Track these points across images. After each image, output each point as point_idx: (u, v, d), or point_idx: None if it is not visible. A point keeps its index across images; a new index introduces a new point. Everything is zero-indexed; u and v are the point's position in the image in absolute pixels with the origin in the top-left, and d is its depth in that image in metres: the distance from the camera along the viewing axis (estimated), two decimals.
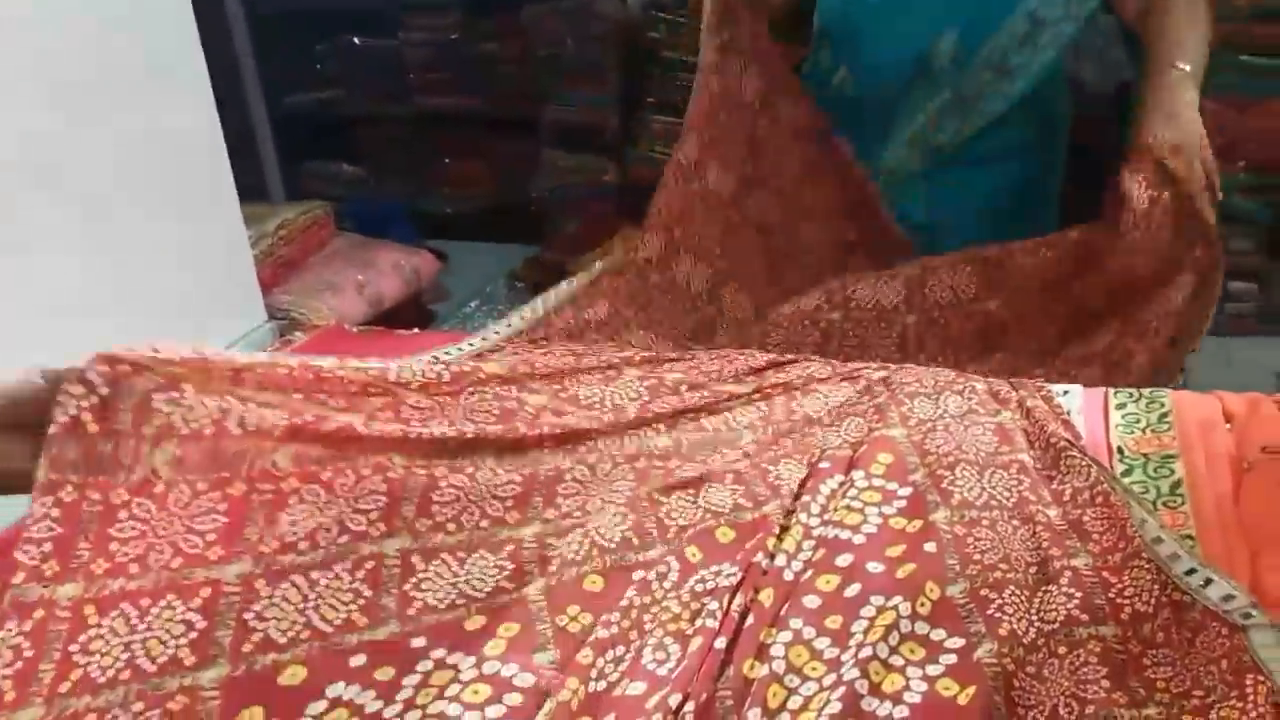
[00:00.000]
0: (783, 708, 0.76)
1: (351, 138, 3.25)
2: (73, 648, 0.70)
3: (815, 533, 0.92)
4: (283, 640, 0.76)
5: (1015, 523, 0.92)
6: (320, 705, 0.74)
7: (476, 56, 2.97)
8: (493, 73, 2.97)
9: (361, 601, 0.80)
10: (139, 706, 0.70)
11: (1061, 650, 0.80)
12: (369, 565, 0.82)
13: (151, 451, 0.77)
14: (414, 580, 0.83)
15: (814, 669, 0.79)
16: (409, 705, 0.75)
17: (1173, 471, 1.00)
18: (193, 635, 0.73)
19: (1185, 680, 0.77)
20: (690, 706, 0.76)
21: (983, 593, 0.84)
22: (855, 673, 0.77)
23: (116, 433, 0.75)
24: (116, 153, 1.41)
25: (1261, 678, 0.74)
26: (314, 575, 0.79)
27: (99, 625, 0.71)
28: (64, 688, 0.69)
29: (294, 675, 0.75)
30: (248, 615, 0.76)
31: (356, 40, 3.10)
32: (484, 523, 0.89)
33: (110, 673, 0.71)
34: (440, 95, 3.05)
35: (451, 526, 0.87)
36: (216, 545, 0.77)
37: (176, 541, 0.76)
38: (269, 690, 0.74)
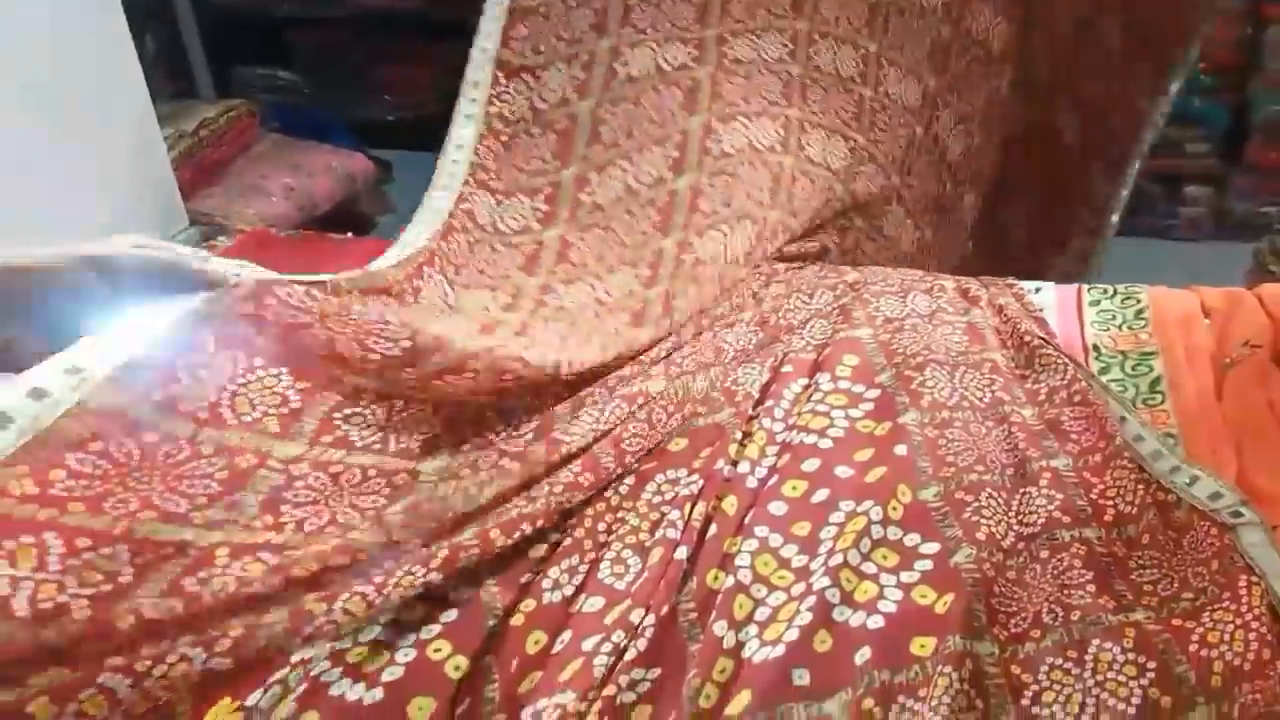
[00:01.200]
0: (750, 619, 0.71)
1: (286, 41, 3.07)
2: None
3: (780, 438, 0.87)
4: None
5: (989, 423, 0.87)
6: None
7: None
8: None
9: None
10: None
11: (1043, 554, 0.75)
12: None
13: None
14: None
15: (782, 578, 0.74)
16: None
17: (1151, 369, 0.95)
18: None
19: (1173, 583, 0.73)
20: (651, 620, 0.70)
21: (958, 495, 0.79)
22: (826, 581, 0.72)
23: None
24: (13, 48, 1.27)
25: (1255, 578, 0.70)
26: None
27: None
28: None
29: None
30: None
31: None
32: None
33: None
34: None
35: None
36: None
37: None
38: None
